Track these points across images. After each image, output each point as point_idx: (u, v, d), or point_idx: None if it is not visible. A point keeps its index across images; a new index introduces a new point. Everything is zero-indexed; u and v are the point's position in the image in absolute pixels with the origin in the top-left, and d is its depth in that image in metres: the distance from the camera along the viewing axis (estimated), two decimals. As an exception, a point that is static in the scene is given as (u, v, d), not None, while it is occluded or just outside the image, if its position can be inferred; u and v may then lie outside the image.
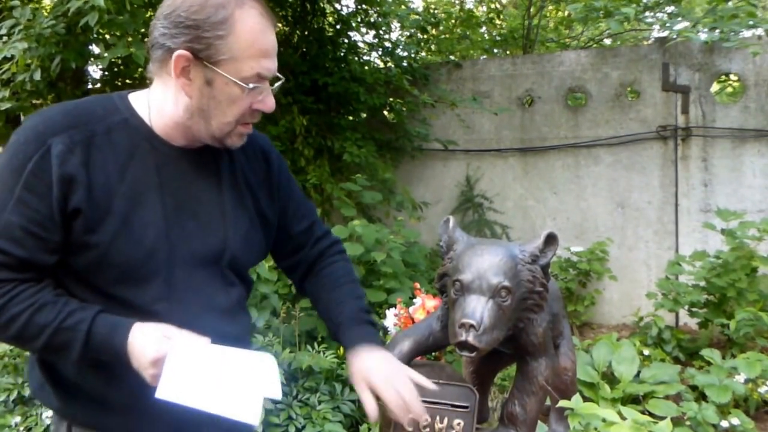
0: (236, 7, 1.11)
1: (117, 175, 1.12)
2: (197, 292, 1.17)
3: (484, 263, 1.28)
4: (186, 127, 1.17)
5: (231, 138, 1.18)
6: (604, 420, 1.32)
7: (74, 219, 1.08)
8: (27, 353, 3.07)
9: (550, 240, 1.31)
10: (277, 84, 1.21)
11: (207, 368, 1.07)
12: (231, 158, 1.28)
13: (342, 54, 5.61)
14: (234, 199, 1.26)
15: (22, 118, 4.85)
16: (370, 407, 1.22)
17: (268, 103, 1.19)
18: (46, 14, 3.64)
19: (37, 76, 3.56)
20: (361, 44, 6.00)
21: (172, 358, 1.04)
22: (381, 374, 1.23)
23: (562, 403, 1.39)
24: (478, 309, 1.24)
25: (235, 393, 1.07)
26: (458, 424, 1.34)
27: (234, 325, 1.24)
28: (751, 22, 3.85)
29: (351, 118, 5.75)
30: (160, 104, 1.18)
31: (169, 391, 1.02)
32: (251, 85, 1.13)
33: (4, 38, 3.65)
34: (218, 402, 1.05)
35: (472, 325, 1.23)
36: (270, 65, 1.16)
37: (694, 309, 4.11)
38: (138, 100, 1.20)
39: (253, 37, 1.12)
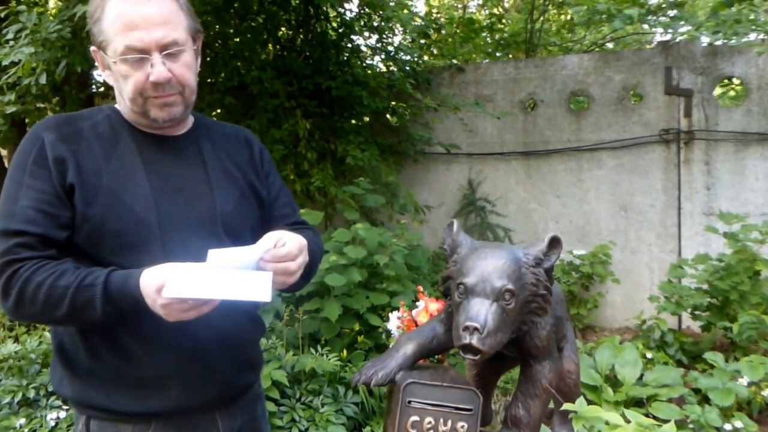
0: None
1: (104, 158, 1.26)
2: (194, 258, 1.20)
3: (488, 266, 1.28)
4: (129, 110, 1.31)
5: (152, 110, 1.28)
6: (607, 423, 1.32)
7: (73, 194, 1.22)
8: (32, 356, 3.07)
9: (554, 243, 1.32)
10: (169, 51, 1.24)
11: (209, 270, 1.12)
12: (213, 143, 1.40)
13: (345, 58, 5.62)
14: (221, 177, 1.37)
15: (27, 121, 4.88)
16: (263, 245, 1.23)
17: (155, 73, 1.24)
18: (52, 19, 3.67)
19: (43, 79, 3.59)
20: (364, 48, 6.02)
21: (175, 268, 1.10)
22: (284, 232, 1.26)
23: (566, 406, 1.39)
24: (482, 312, 1.25)
25: (240, 279, 1.12)
26: (462, 427, 1.34)
27: None
28: (753, 27, 3.86)
29: (354, 121, 5.77)
30: (117, 99, 1.35)
31: (175, 288, 1.07)
32: (130, 60, 1.22)
33: (11, 43, 3.68)
34: (226, 288, 1.10)
35: (476, 328, 1.23)
36: (141, 36, 1.22)
37: (696, 312, 4.11)
38: (119, 102, 1.36)
39: (118, 14, 1.22)
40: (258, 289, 1.11)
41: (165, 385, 1.26)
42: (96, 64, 1.35)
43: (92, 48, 1.30)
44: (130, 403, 1.26)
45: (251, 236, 1.35)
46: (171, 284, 1.08)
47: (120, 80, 1.27)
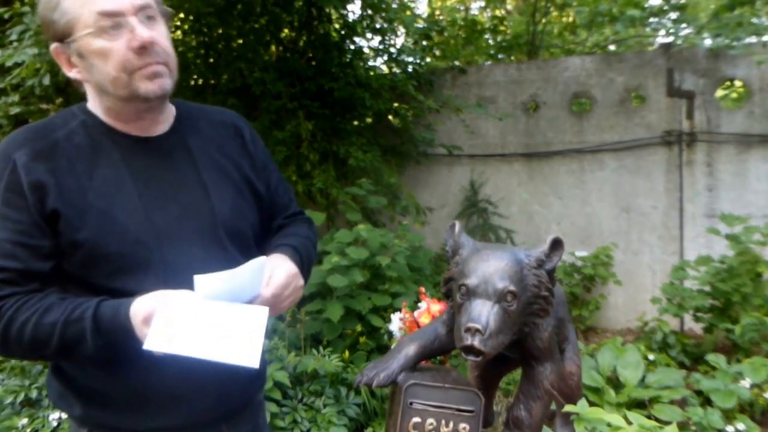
0: None
1: (86, 176, 1.14)
2: (196, 270, 1.15)
3: (490, 268, 1.28)
4: (110, 109, 1.19)
5: (141, 85, 1.15)
6: (609, 424, 1.32)
7: (56, 221, 1.11)
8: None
9: (556, 245, 1.32)
10: (142, 14, 1.14)
11: (198, 318, 1.04)
12: (200, 136, 1.29)
13: (348, 59, 5.63)
14: (214, 175, 1.27)
15: (30, 122, 4.90)
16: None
17: (138, 35, 1.12)
18: (55, 20, 3.68)
19: (46, 81, 3.60)
20: (366, 50, 6.03)
21: (162, 310, 1.02)
22: (274, 261, 1.23)
23: (568, 407, 1.39)
24: (483, 313, 1.25)
25: (230, 339, 1.04)
26: (464, 428, 1.34)
27: None
28: (754, 31, 3.86)
29: (356, 123, 5.78)
30: (92, 102, 1.22)
31: (157, 341, 0.99)
32: (102, 25, 1.10)
33: (15, 44, 3.69)
34: (212, 348, 1.02)
35: (477, 330, 1.24)
36: (111, 1, 1.11)
37: (699, 314, 4.10)
38: (93, 103, 1.23)
39: None
40: (247, 356, 1.03)
41: (173, 402, 1.21)
42: (63, 68, 1.20)
43: (53, 47, 1.16)
44: (138, 421, 1.21)
45: (252, 235, 1.33)
46: (154, 336, 1.00)
47: (97, 62, 1.13)
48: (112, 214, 1.14)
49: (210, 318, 1.05)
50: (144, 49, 1.13)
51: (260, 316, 1.10)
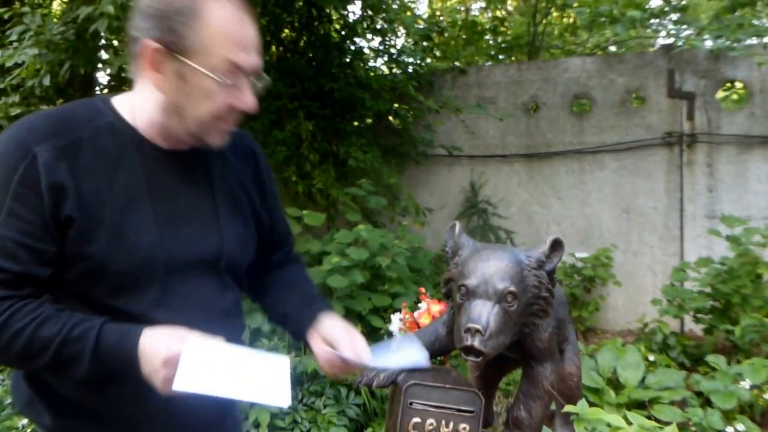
0: None
1: (105, 183, 1.08)
2: (194, 297, 1.15)
3: (490, 268, 1.29)
4: (164, 126, 1.13)
5: (211, 136, 1.13)
6: (609, 425, 1.32)
7: (68, 228, 1.04)
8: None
9: (556, 245, 1.32)
10: (261, 84, 1.13)
11: (224, 361, 1.04)
12: (222, 160, 1.24)
13: (348, 60, 5.63)
14: (227, 202, 1.23)
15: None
16: (324, 357, 1.23)
17: (248, 101, 1.11)
18: (56, 21, 3.68)
19: (47, 81, 3.60)
20: (367, 50, 6.03)
21: (188, 352, 1.01)
22: (342, 329, 1.25)
23: (568, 408, 1.39)
24: (483, 314, 1.25)
25: (259, 380, 1.04)
26: (464, 428, 1.34)
27: (229, 329, 1.22)
28: (755, 32, 3.87)
29: (356, 123, 5.78)
30: (141, 104, 1.13)
31: (186, 381, 0.98)
32: (226, 80, 1.07)
33: (15, 44, 3.69)
34: (243, 389, 1.02)
35: (477, 330, 1.24)
36: (246, 58, 1.09)
37: (699, 315, 4.10)
38: (121, 103, 1.15)
39: (226, 27, 1.06)
40: (278, 395, 1.04)
41: (156, 418, 1.15)
42: (139, 61, 1.09)
43: (150, 43, 1.05)
44: None
45: (245, 268, 1.31)
46: (184, 376, 0.98)
47: (194, 95, 1.07)
48: (124, 231, 1.08)
49: (236, 360, 1.06)
50: (240, 111, 1.12)
51: (284, 363, 1.11)
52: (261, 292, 1.42)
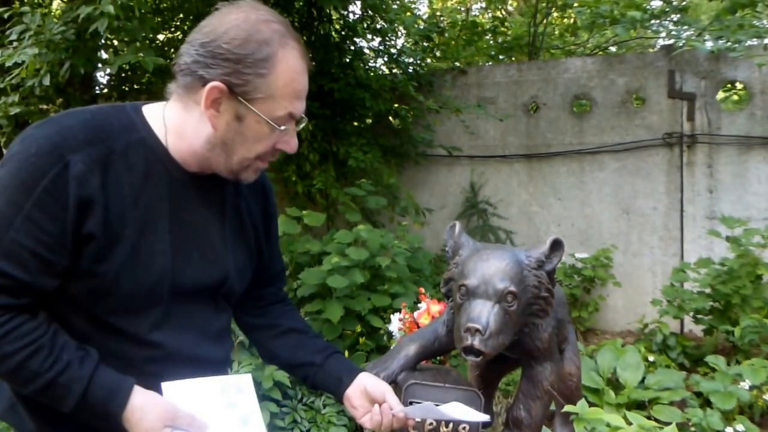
0: (280, 46, 1.06)
1: (131, 199, 1.06)
2: (192, 319, 1.16)
3: (491, 268, 1.29)
4: (204, 157, 1.12)
5: (247, 173, 1.15)
6: (609, 425, 1.32)
7: (87, 245, 1.01)
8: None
9: (556, 246, 1.32)
10: (301, 125, 1.16)
11: (203, 411, 1.09)
12: (236, 189, 1.24)
13: (348, 60, 5.63)
14: (235, 232, 1.24)
15: (30, 122, 4.89)
16: (374, 414, 1.26)
17: (292, 144, 1.15)
18: (55, 20, 3.68)
19: (47, 81, 3.60)
20: (367, 51, 6.03)
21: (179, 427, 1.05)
22: (390, 390, 1.29)
23: (567, 407, 1.39)
24: (483, 313, 1.25)
25: (232, 411, 1.10)
26: (464, 428, 1.34)
27: (220, 350, 1.25)
28: (755, 33, 3.87)
29: (356, 123, 5.78)
30: (180, 128, 1.12)
31: None
32: (282, 127, 1.10)
33: (15, 44, 3.69)
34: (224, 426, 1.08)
35: (477, 330, 1.24)
36: (301, 107, 1.12)
37: (699, 316, 4.10)
38: (153, 116, 1.14)
39: (292, 78, 1.08)
40: (249, 417, 1.12)
41: None
42: (196, 95, 1.07)
43: (219, 85, 1.04)
44: None
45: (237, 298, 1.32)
46: None
47: (247, 136, 1.09)
48: (140, 253, 1.06)
49: (211, 404, 1.11)
50: (280, 152, 1.15)
51: (247, 382, 1.18)
52: (251, 325, 1.44)
